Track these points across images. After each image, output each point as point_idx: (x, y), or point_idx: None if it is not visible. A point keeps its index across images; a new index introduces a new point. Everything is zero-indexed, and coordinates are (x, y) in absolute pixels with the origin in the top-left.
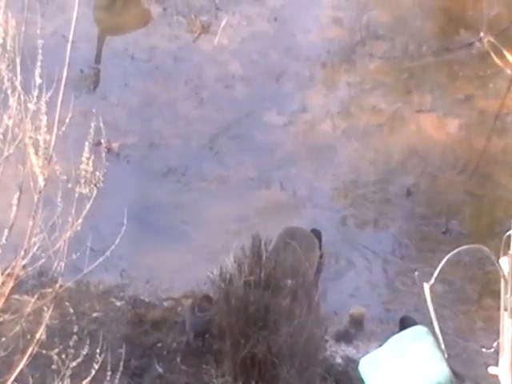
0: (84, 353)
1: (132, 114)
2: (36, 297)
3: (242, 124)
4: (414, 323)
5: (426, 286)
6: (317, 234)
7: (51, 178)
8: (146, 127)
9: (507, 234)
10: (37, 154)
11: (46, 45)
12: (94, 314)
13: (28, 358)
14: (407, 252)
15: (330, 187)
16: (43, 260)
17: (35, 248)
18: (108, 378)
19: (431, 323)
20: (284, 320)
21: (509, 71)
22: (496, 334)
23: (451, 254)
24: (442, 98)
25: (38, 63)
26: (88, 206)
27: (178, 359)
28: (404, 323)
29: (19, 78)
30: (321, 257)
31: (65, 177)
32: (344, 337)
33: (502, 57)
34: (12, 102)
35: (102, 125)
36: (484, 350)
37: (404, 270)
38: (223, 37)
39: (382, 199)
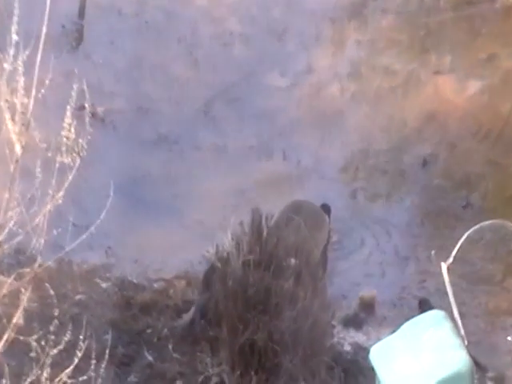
0: (66, 339)
1: (119, 76)
2: (13, 277)
3: (241, 87)
4: (431, 307)
5: (444, 266)
6: (326, 208)
7: (29, 146)
8: (135, 90)
9: None
10: (13, 119)
11: None
12: (77, 297)
13: (4, 345)
14: (423, 229)
15: (338, 157)
16: (20, 236)
17: (11, 223)
18: (92, 367)
19: (451, 307)
20: (287, 303)
21: None
22: None
23: (472, 230)
24: (463, 57)
25: (15, 18)
26: (70, 177)
27: (170, 346)
28: (423, 306)
29: None
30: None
31: (44, 144)
32: (353, 322)
33: None
34: None
35: (85, 87)
36: (509, 338)
37: (420, 249)
38: None
39: (395, 170)
